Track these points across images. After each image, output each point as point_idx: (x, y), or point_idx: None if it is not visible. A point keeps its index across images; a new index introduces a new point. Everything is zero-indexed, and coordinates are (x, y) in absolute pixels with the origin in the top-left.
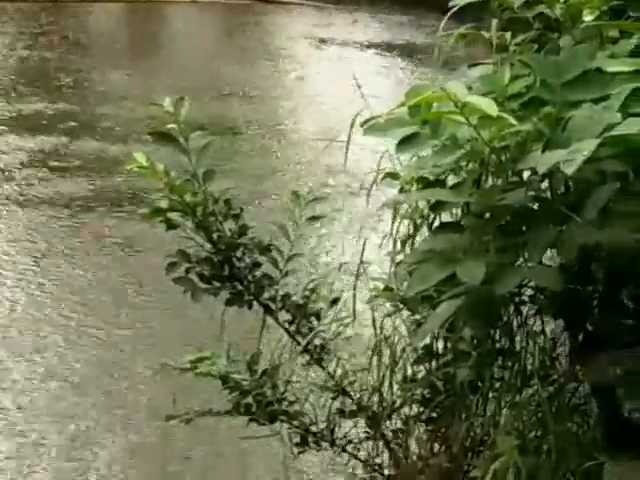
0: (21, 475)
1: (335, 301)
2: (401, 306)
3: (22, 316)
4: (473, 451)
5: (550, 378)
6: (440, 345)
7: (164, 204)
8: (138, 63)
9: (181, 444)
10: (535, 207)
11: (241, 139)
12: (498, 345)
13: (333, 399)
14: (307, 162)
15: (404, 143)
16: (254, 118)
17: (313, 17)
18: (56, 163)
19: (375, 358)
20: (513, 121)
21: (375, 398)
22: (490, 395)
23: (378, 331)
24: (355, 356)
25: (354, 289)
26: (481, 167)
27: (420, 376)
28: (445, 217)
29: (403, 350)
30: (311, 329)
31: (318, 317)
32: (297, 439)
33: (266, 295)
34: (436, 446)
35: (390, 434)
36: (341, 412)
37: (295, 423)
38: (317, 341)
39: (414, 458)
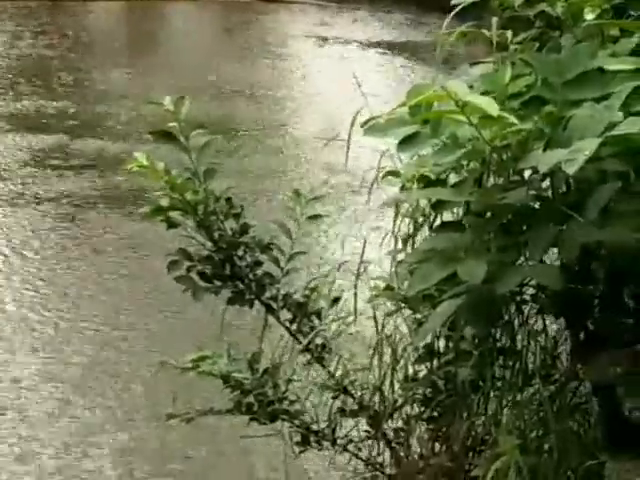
0: (18, 476)
1: (336, 300)
2: (402, 305)
3: (21, 315)
4: (474, 450)
5: (551, 377)
6: (441, 344)
7: (165, 203)
8: (138, 62)
9: (182, 443)
10: (536, 206)
11: (241, 138)
12: (499, 344)
13: (334, 398)
14: (308, 161)
15: (405, 142)
16: (254, 117)
17: (314, 16)
18: (56, 162)
19: (376, 357)
20: (514, 120)
21: (376, 397)
22: (491, 394)
23: (379, 330)
24: (356, 355)
25: (355, 288)
26: (482, 166)
27: (421, 375)
28: (446, 216)
29: (404, 349)
30: (312, 328)
31: (319, 316)
32: (298, 438)
33: (267, 294)
34: (437, 445)
35: (391, 433)
36: (342, 411)
37: (296, 422)
38: (318, 340)
39: (415, 457)
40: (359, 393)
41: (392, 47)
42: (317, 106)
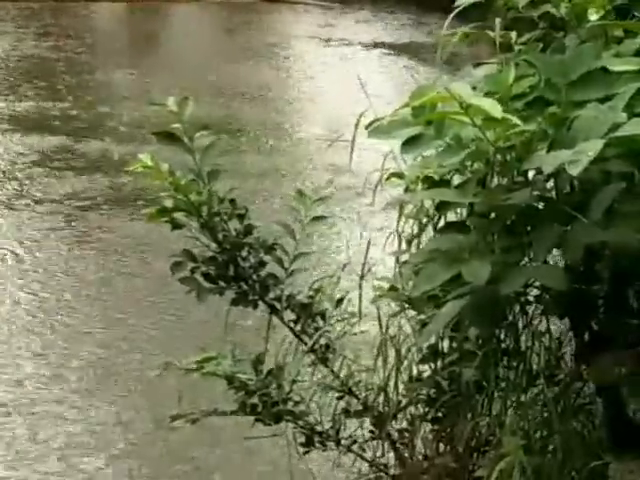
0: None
1: (340, 301)
2: (406, 306)
3: (24, 316)
4: (479, 451)
5: (555, 378)
6: (445, 345)
7: (169, 204)
8: (141, 62)
9: (186, 444)
10: (540, 207)
11: (245, 138)
12: (503, 345)
13: (338, 399)
14: (311, 162)
15: (408, 143)
16: (257, 117)
17: (317, 17)
18: (60, 163)
19: (380, 358)
20: (517, 121)
21: (380, 398)
22: (495, 395)
23: (383, 331)
24: (360, 356)
25: (359, 289)
26: (486, 167)
27: (425, 376)
28: (450, 217)
29: (408, 350)
30: (316, 329)
31: (323, 317)
32: (302, 439)
33: (271, 295)
34: (442, 446)
35: (396, 434)
36: (346, 412)
37: (300, 423)
38: (322, 341)
39: (420, 458)
40: (363, 394)
41: (395, 48)
42: (320, 107)
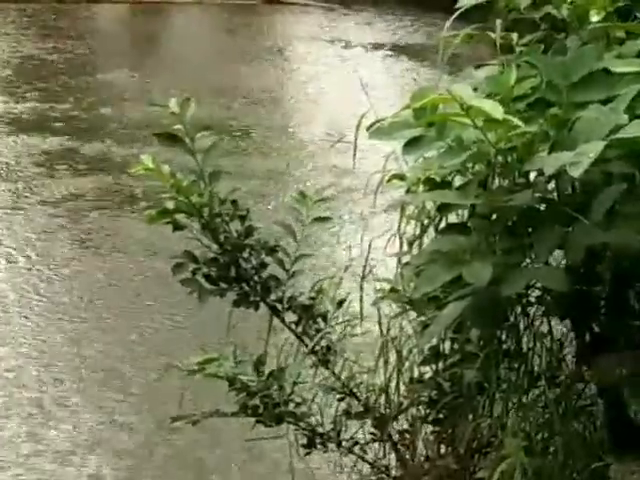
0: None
1: (341, 302)
2: (408, 307)
3: (24, 317)
4: (480, 452)
5: (557, 379)
6: (447, 346)
7: (170, 205)
8: (143, 64)
9: (187, 444)
10: (541, 208)
11: (246, 140)
12: (505, 346)
13: (340, 400)
14: (313, 163)
15: (410, 145)
16: (259, 119)
17: (318, 18)
18: (61, 164)
19: (382, 359)
20: (519, 123)
21: (382, 399)
22: (497, 396)
23: (385, 332)
24: (362, 357)
25: (361, 290)
26: (487, 168)
27: (427, 377)
28: (452, 218)
29: (410, 351)
30: (318, 330)
31: (325, 318)
32: (304, 440)
33: (273, 296)
34: (443, 447)
35: (397, 435)
36: (348, 413)
37: (302, 424)
38: (323, 342)
39: (421, 459)
40: (364, 395)
41: (397, 49)
42: (322, 108)
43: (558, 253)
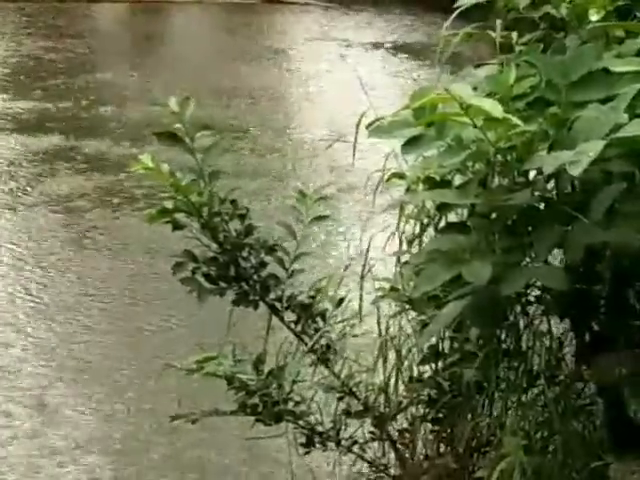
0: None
1: (341, 301)
2: (407, 306)
3: (23, 317)
4: (479, 451)
5: (556, 378)
6: (446, 345)
7: (170, 205)
8: (142, 63)
9: (186, 443)
10: (541, 207)
11: (246, 139)
12: (504, 345)
13: (339, 399)
14: (312, 162)
15: (409, 144)
16: (259, 118)
17: (318, 17)
18: (61, 163)
19: (381, 358)
20: (518, 122)
21: (381, 398)
22: (496, 395)
23: (384, 331)
24: (361, 356)
25: (360, 289)
26: (487, 167)
27: (426, 376)
28: (451, 217)
29: (409, 350)
30: (317, 329)
31: (324, 317)
32: (303, 439)
33: (272, 295)
34: (442, 446)
35: (396, 434)
36: (347, 412)
37: (301, 423)
38: (323, 341)
39: (420, 458)
40: (364, 394)
41: (397, 48)
42: (321, 107)
43: (558, 252)
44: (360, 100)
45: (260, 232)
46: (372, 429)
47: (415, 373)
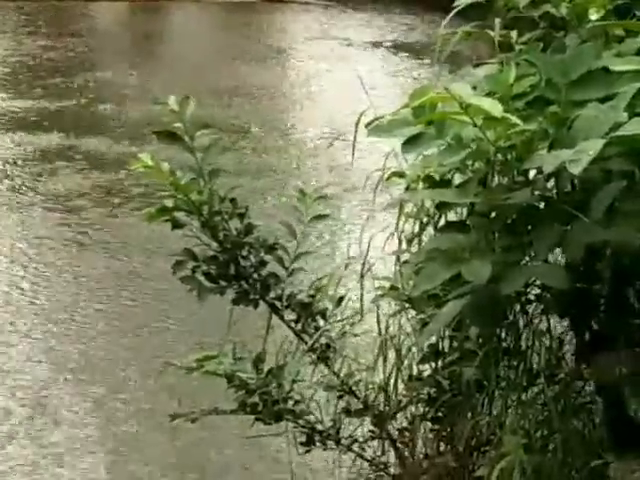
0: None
1: (341, 300)
2: (407, 305)
3: (21, 317)
4: (479, 450)
5: (556, 377)
6: (446, 344)
7: (170, 203)
8: (141, 62)
9: (186, 442)
10: (541, 206)
11: (246, 138)
12: (504, 344)
13: (339, 398)
14: (312, 161)
15: (409, 143)
16: (259, 117)
17: (317, 16)
18: (58, 162)
19: (381, 357)
20: (518, 121)
21: (381, 397)
22: (496, 394)
23: (384, 330)
24: (361, 355)
25: (361, 288)
26: (487, 166)
27: (426, 375)
28: (451, 216)
29: (409, 349)
30: (317, 328)
31: (324, 316)
32: (303, 438)
33: (272, 294)
34: (442, 445)
35: (396, 433)
36: (347, 411)
37: (301, 422)
38: (323, 340)
39: (420, 457)
40: (364, 393)
41: (396, 47)
42: (321, 106)
43: (557, 251)
44: (360, 99)
45: (260, 231)
46: (372, 428)
47: (415, 372)
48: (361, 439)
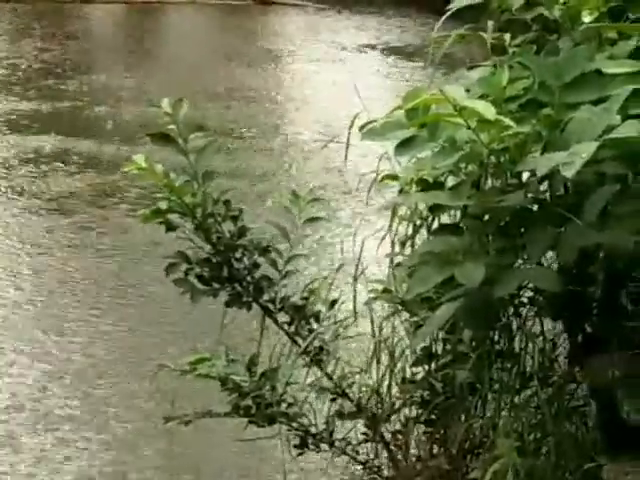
0: None
1: (334, 303)
2: (400, 308)
3: (16, 318)
4: (472, 453)
5: (549, 380)
6: (439, 347)
7: (163, 205)
8: (137, 64)
9: (181, 444)
10: (534, 209)
11: (239, 140)
12: (497, 347)
13: (332, 401)
14: (306, 163)
15: (402, 145)
16: (252, 119)
17: (312, 19)
18: (55, 163)
19: (374, 360)
20: (511, 123)
21: (374, 400)
22: (489, 397)
23: (377, 333)
24: (354, 358)
25: (354, 291)
26: (480, 169)
27: (419, 378)
28: (444, 219)
29: (402, 352)
30: (310, 331)
31: (317, 319)
32: (296, 441)
33: (265, 296)
34: (435, 448)
35: (389, 436)
36: (340, 414)
37: (294, 425)
38: (316, 343)
39: (413, 460)
40: (357, 395)
41: (390, 49)
42: (315, 109)
43: (551, 254)
44: (354, 101)
45: (253, 233)
46: (365, 430)
47: (408, 374)
48: (354, 442)
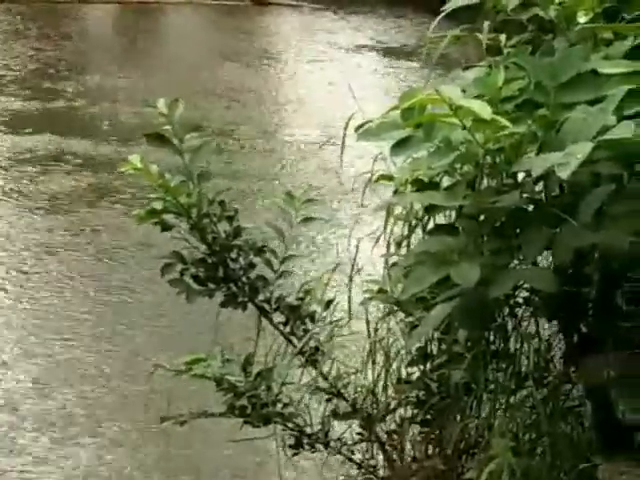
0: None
1: (329, 303)
2: (395, 308)
3: (11, 317)
4: (467, 453)
5: (544, 380)
6: (435, 347)
7: (159, 205)
8: (133, 64)
9: (178, 445)
10: (529, 209)
11: (235, 140)
12: (492, 347)
13: (327, 401)
14: (302, 163)
15: (398, 146)
16: (248, 119)
17: (308, 19)
18: (51, 164)
19: (370, 360)
20: (507, 124)
21: (369, 400)
22: (484, 397)
23: (372, 333)
24: (349, 358)
25: (349, 291)
26: (475, 169)
27: (414, 378)
28: (440, 219)
29: (397, 352)
30: (306, 331)
31: (313, 319)
32: (292, 441)
33: (261, 297)
34: (430, 448)
35: (384, 436)
36: (335, 414)
37: (289, 425)
38: (311, 343)
39: (408, 460)
40: (352, 396)
41: (386, 50)
42: (310, 109)
43: (546, 254)
44: (350, 101)
45: (249, 233)
46: (360, 431)
47: (403, 375)
48: (350, 442)
